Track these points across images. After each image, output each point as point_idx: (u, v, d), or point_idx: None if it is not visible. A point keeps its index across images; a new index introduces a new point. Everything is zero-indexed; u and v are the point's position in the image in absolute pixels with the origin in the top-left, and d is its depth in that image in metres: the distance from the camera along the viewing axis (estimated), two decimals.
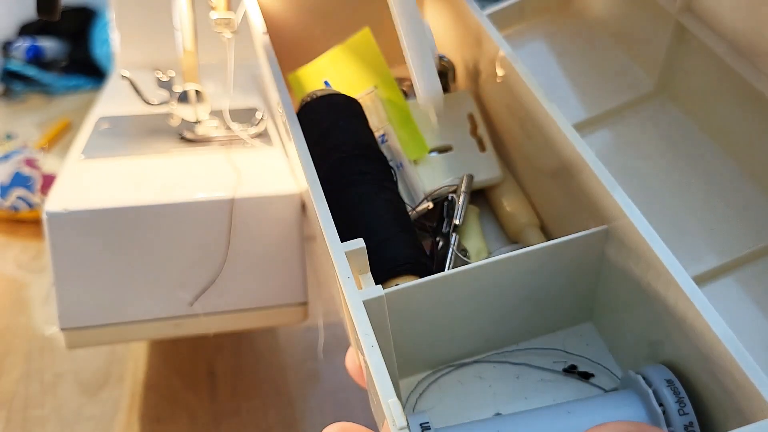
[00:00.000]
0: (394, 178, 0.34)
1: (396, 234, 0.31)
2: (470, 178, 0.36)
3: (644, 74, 0.41)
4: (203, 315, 0.43)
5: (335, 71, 0.37)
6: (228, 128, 0.50)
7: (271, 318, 0.45)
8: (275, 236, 0.43)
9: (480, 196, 0.38)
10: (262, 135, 0.50)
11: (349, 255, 0.26)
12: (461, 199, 0.35)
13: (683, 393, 0.24)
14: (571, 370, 0.29)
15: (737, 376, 0.22)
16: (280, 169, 0.45)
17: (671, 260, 0.25)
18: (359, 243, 0.26)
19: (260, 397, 0.51)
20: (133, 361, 0.54)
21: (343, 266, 0.25)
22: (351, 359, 0.30)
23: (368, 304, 0.24)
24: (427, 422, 0.24)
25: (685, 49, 0.38)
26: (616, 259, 0.28)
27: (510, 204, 0.36)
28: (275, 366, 0.54)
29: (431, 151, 0.37)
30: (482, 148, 0.37)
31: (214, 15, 0.45)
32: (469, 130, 0.38)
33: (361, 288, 0.26)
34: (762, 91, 0.32)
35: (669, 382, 0.24)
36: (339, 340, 0.57)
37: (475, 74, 0.40)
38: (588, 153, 0.29)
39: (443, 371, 0.30)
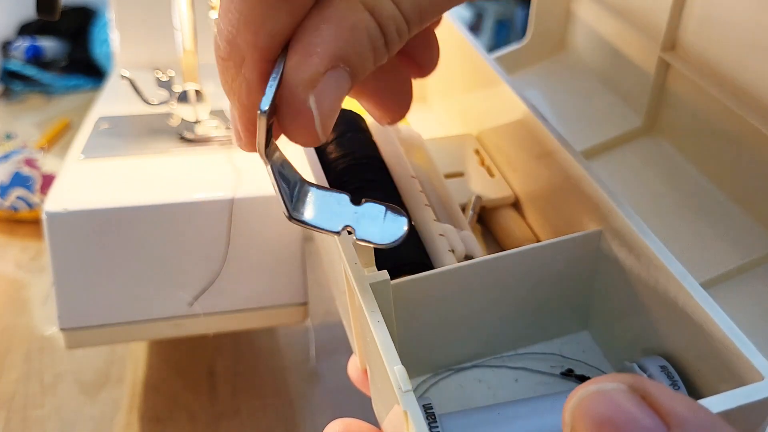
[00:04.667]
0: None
1: None
2: (478, 198, 0.37)
3: (632, 111, 0.43)
4: (203, 315, 0.43)
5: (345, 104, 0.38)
6: (228, 128, 0.50)
7: (271, 318, 0.45)
8: (275, 236, 0.43)
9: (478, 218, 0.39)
10: None
11: (356, 245, 0.26)
12: (469, 218, 0.36)
13: (677, 377, 0.25)
14: (568, 374, 0.30)
15: (729, 350, 0.23)
16: None
17: (664, 252, 0.26)
18: None
19: (260, 397, 0.51)
20: (133, 361, 0.54)
21: (351, 255, 0.26)
22: (353, 367, 0.31)
23: (374, 287, 0.25)
24: (430, 403, 0.24)
25: (670, 84, 0.40)
26: (610, 261, 0.29)
27: (507, 223, 0.37)
28: (275, 366, 0.54)
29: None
30: (491, 174, 0.39)
31: (213, 15, 0.45)
32: (477, 162, 0.40)
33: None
34: (746, 119, 0.33)
35: (662, 368, 0.25)
36: (339, 340, 0.57)
37: (480, 111, 0.42)
38: (586, 165, 0.30)
39: (443, 374, 0.30)
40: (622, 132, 0.42)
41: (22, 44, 1.05)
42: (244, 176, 0.44)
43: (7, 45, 1.06)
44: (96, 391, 0.51)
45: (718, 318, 0.23)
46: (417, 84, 0.50)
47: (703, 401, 0.20)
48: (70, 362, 0.54)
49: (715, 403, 0.20)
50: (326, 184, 0.31)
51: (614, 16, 0.43)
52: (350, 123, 0.37)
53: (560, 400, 0.25)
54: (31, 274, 0.64)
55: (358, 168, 0.34)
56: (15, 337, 0.56)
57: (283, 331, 0.58)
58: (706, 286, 0.33)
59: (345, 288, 0.28)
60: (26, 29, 1.11)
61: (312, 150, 0.33)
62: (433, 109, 0.50)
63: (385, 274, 0.26)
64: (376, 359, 0.24)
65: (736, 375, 0.23)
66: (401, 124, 0.39)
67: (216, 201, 0.42)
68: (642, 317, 0.27)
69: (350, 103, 0.38)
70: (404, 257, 0.30)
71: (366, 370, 0.30)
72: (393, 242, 0.24)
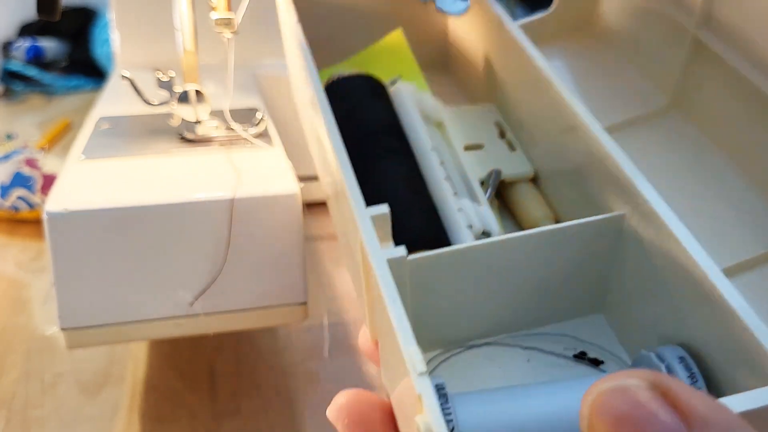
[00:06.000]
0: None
1: (417, 210, 0.31)
2: (498, 172, 0.36)
3: (658, 90, 0.42)
4: (203, 315, 0.43)
5: (366, 70, 0.38)
6: (228, 128, 0.50)
7: (271, 318, 0.45)
8: (275, 236, 0.43)
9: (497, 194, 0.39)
10: (263, 135, 0.50)
11: (375, 219, 0.26)
12: (488, 192, 0.35)
13: (695, 369, 0.24)
14: (581, 357, 0.29)
15: (752, 345, 0.22)
16: (280, 169, 0.45)
17: (689, 239, 0.25)
18: (384, 208, 0.26)
19: (260, 397, 0.51)
20: (133, 361, 0.54)
21: (368, 228, 0.26)
22: (364, 338, 0.31)
23: (391, 263, 0.24)
24: (442, 383, 0.24)
25: (701, 63, 0.39)
26: (632, 245, 0.28)
27: (525, 199, 0.37)
28: (275, 366, 0.54)
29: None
30: (512, 148, 0.38)
31: (214, 15, 0.45)
32: (497, 135, 0.39)
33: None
34: None
35: (681, 359, 0.25)
36: (339, 340, 0.57)
37: (502, 80, 0.41)
38: (612, 145, 0.30)
39: (454, 351, 0.30)
40: (648, 110, 0.41)
41: (23, 44, 1.05)
42: (244, 176, 0.44)
43: (7, 45, 1.06)
44: (96, 391, 0.51)
45: (743, 311, 0.22)
46: (440, 52, 0.49)
47: (724, 400, 0.20)
48: (70, 362, 0.54)
49: (738, 403, 0.20)
50: (345, 151, 0.30)
51: None
52: (370, 89, 0.36)
53: (574, 386, 0.25)
54: (32, 274, 0.64)
55: (379, 136, 0.34)
56: (15, 336, 0.56)
57: (283, 331, 0.58)
58: (728, 273, 0.32)
59: (359, 260, 0.27)
60: (27, 30, 1.11)
61: (331, 116, 0.32)
62: (456, 77, 0.49)
63: (402, 250, 0.25)
64: (388, 335, 0.23)
65: (758, 370, 0.22)
66: (423, 93, 0.38)
67: (216, 201, 0.42)
68: (661, 304, 0.27)
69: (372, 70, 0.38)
70: (422, 232, 0.30)
71: (377, 342, 0.30)
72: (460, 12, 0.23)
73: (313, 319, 0.57)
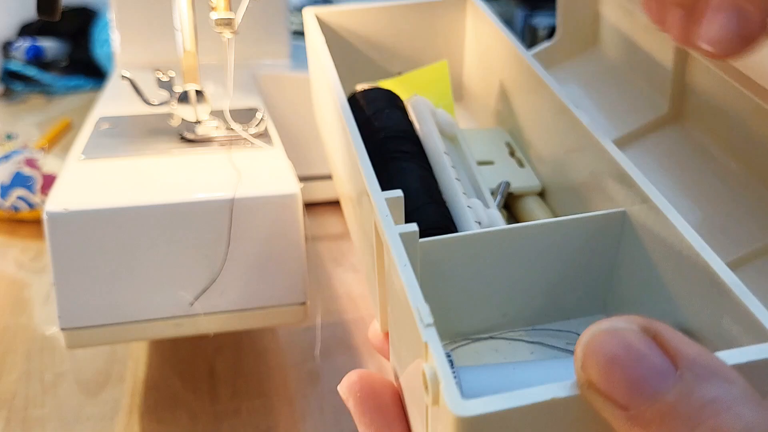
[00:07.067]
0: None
1: (428, 203, 0.33)
2: (507, 183, 0.38)
3: (658, 99, 0.44)
4: (203, 315, 0.43)
5: (401, 92, 0.40)
6: (228, 128, 0.50)
7: (271, 318, 0.45)
8: (275, 236, 0.43)
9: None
10: (263, 135, 0.50)
11: (389, 201, 0.27)
12: (497, 201, 0.37)
13: None
14: None
15: (761, 340, 0.22)
16: (280, 169, 0.46)
17: (693, 236, 0.25)
18: (398, 193, 0.28)
19: (260, 397, 0.51)
20: (133, 361, 0.54)
21: (383, 208, 0.27)
22: (374, 332, 0.31)
23: (404, 237, 0.25)
24: (449, 352, 0.24)
25: (690, 71, 0.41)
26: (633, 243, 0.29)
27: (533, 211, 0.38)
28: (275, 366, 0.55)
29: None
30: (521, 165, 0.40)
31: (214, 15, 0.45)
32: (507, 153, 0.41)
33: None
34: (762, 104, 0.34)
35: None
36: (339, 340, 0.57)
37: (514, 105, 0.42)
38: (615, 149, 0.31)
39: (459, 343, 0.31)
40: (648, 120, 0.43)
41: (23, 44, 1.05)
42: (244, 176, 0.44)
43: (7, 45, 1.07)
44: (96, 391, 0.51)
45: (753, 306, 0.22)
46: (454, 83, 0.50)
47: (716, 354, 0.19)
48: (70, 362, 0.54)
49: (729, 357, 0.19)
50: (366, 153, 0.31)
51: (638, 11, 0.44)
52: (389, 101, 0.38)
53: (573, 361, 0.25)
54: (32, 274, 0.65)
55: (396, 140, 0.36)
56: (16, 336, 0.56)
57: (283, 331, 0.58)
58: (732, 265, 0.33)
59: (374, 243, 0.28)
60: (27, 30, 1.11)
61: (353, 120, 0.34)
62: (469, 107, 0.50)
63: (414, 226, 0.26)
64: (400, 306, 0.24)
65: None
66: (438, 108, 0.39)
67: (216, 201, 0.42)
68: (663, 306, 0.27)
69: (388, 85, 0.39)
70: (432, 223, 0.31)
71: (386, 334, 0.30)
72: None
73: (313, 319, 0.58)
